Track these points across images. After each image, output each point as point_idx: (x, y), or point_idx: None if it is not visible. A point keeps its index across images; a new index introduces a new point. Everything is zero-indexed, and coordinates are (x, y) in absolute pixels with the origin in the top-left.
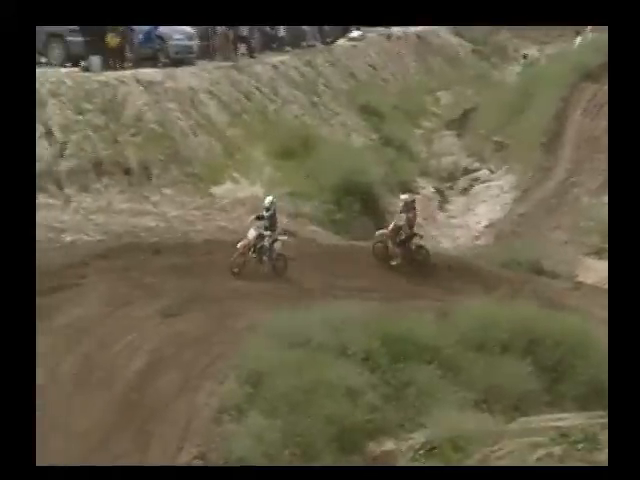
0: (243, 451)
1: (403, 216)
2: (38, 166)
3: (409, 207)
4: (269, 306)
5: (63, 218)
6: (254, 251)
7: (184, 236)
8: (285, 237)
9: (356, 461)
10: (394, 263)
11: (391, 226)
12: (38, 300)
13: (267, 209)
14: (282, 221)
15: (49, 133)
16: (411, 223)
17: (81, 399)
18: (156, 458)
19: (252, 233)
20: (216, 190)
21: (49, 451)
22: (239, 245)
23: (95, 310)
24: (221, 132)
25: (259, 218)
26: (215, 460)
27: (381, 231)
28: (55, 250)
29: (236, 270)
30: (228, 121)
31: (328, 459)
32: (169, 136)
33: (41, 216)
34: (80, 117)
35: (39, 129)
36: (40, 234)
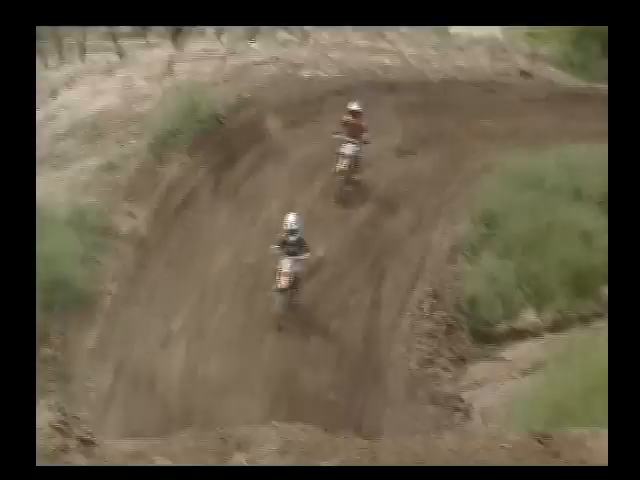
0: (476, 290)
1: (350, 147)
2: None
3: (359, 119)
4: (505, 147)
5: (301, 54)
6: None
7: (420, 75)
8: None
9: (589, 305)
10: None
11: (345, 162)
12: (276, 135)
13: (292, 232)
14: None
15: None
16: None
17: (315, 231)
18: (389, 293)
19: (286, 264)
20: (454, 29)
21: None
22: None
23: (332, 144)
24: None
25: (284, 245)
26: (448, 299)
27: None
28: (293, 86)
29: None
30: None
31: (561, 301)
32: None
33: (280, 52)
34: None
35: None
36: (279, 69)
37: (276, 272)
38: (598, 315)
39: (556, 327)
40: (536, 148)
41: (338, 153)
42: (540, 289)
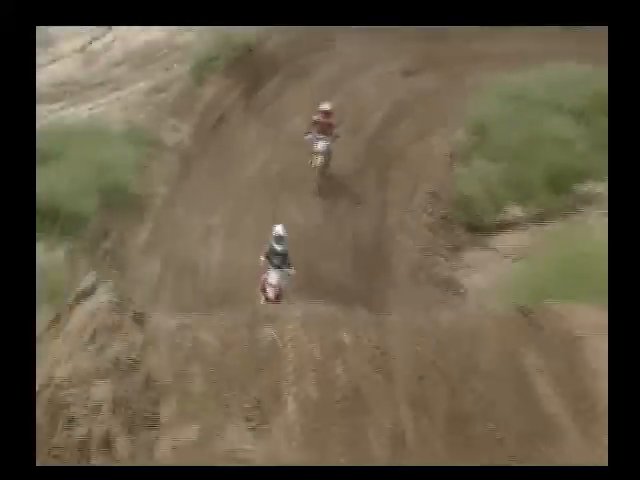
0: (469, 189)
1: (323, 144)
2: None
3: (330, 118)
4: (494, 67)
5: None
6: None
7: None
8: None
9: (566, 200)
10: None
11: (320, 158)
12: (299, 60)
13: (280, 239)
14: None
15: None
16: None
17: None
18: (394, 194)
19: (274, 277)
20: None
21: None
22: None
23: (347, 66)
24: None
25: (270, 256)
26: (445, 198)
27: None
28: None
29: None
30: None
31: (542, 198)
32: None
33: None
34: None
35: None
36: None
37: (263, 282)
38: (573, 209)
39: (537, 219)
40: (521, 67)
41: (312, 152)
42: (524, 187)
